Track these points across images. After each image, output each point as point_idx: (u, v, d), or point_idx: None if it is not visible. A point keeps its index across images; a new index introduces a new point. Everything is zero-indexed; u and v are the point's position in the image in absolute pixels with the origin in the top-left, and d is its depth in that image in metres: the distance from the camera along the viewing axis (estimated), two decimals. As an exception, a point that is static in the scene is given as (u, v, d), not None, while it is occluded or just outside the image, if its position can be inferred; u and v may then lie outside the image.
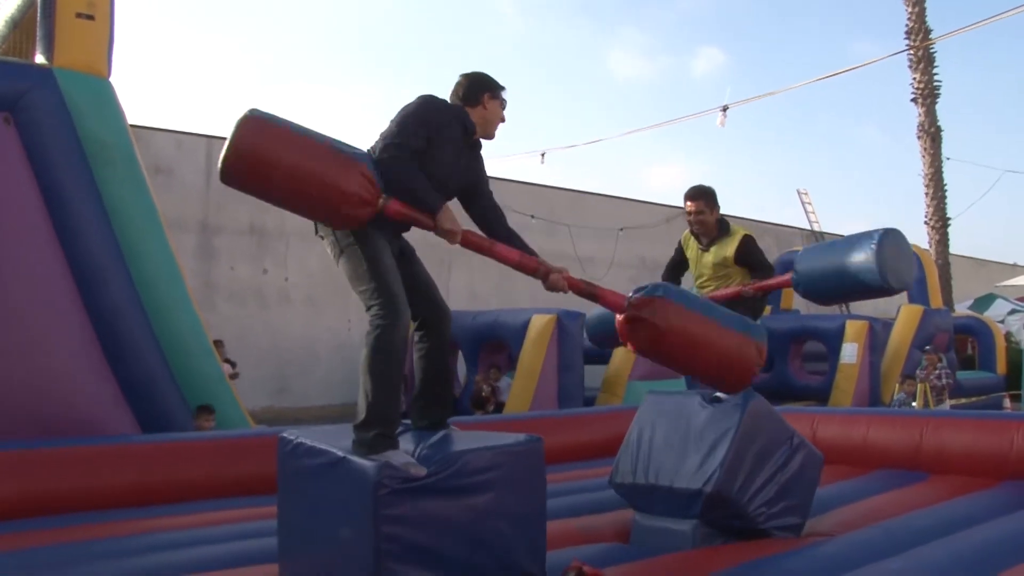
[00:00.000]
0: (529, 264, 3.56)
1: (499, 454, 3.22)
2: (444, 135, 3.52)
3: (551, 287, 3.58)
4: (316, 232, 3.59)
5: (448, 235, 3.38)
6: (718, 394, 4.56)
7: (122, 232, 7.37)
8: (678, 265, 5.43)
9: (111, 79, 7.69)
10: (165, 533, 4.56)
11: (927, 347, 14.56)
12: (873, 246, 4.18)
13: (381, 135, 3.50)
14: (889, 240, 4.22)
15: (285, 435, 3.52)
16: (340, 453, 3.12)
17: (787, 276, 4.84)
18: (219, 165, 3.16)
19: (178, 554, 4.05)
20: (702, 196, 5.06)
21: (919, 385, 12.38)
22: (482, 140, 3.79)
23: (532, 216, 17.39)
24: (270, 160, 3.14)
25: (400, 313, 3.24)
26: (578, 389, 11.54)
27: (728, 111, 11.62)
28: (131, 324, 7.32)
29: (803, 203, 25.51)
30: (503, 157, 18.85)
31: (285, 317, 14.31)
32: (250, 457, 5.88)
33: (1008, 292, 22.78)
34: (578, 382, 11.57)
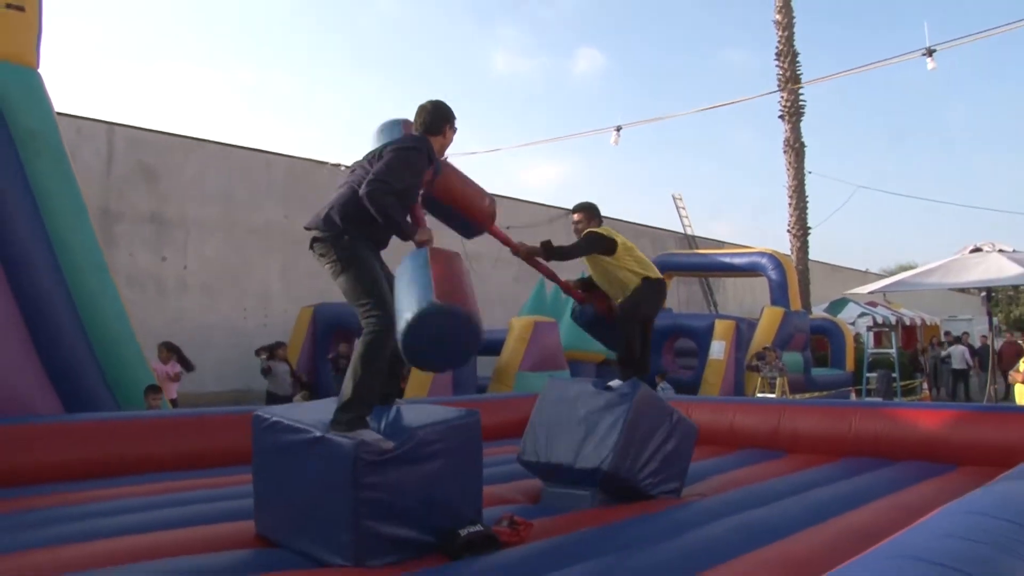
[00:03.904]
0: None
1: (447, 428, 3.90)
2: (423, 173, 4.18)
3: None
4: (311, 247, 4.03)
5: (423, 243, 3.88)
6: (609, 383, 5.38)
7: (50, 220, 7.62)
8: None
9: (39, 70, 7.91)
10: (104, 503, 4.96)
11: (767, 346, 16.00)
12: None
13: (371, 167, 3.93)
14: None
15: (260, 413, 4.09)
16: (319, 432, 3.71)
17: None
18: None
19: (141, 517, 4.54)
20: (583, 210, 5.80)
21: (779, 379, 13.72)
22: None
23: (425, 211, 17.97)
24: None
25: (393, 324, 3.74)
26: (471, 377, 12.26)
27: (618, 128, 12.54)
28: (57, 310, 7.60)
29: (677, 207, 26.98)
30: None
31: (182, 304, 14.46)
32: (171, 435, 6.37)
33: (858, 298, 24.82)
34: (471, 371, 12.29)
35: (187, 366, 10.57)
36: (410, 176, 4.01)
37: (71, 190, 7.92)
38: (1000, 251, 12.01)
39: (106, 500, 5.04)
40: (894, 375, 16.46)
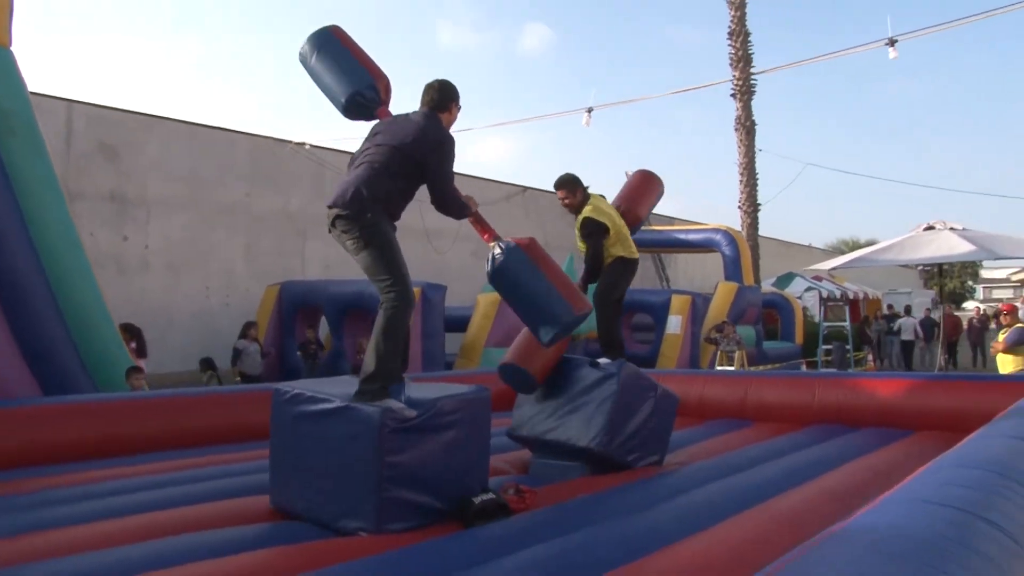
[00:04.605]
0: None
1: (462, 400, 4.12)
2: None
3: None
4: (331, 230, 4.17)
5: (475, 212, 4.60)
6: (597, 360, 5.60)
7: (24, 200, 7.62)
8: None
9: (11, 48, 7.86)
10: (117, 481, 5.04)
11: (726, 319, 16.50)
12: None
13: (397, 147, 4.19)
14: None
15: (279, 387, 4.26)
16: (343, 401, 3.92)
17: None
18: None
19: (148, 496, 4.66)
20: (562, 186, 5.92)
21: (738, 352, 14.17)
22: None
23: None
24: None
25: (411, 300, 4.07)
26: (440, 354, 12.49)
27: (590, 110, 12.77)
28: (33, 290, 7.61)
29: (630, 185, 27.22)
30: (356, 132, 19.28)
31: (144, 284, 14.39)
32: (160, 416, 6.44)
33: (806, 273, 25.53)
34: (440, 348, 12.52)
35: (141, 351, 10.48)
36: (453, 163, 4.33)
37: (45, 169, 7.92)
38: (951, 229, 12.58)
39: (104, 481, 5.07)
40: (848, 347, 17.08)
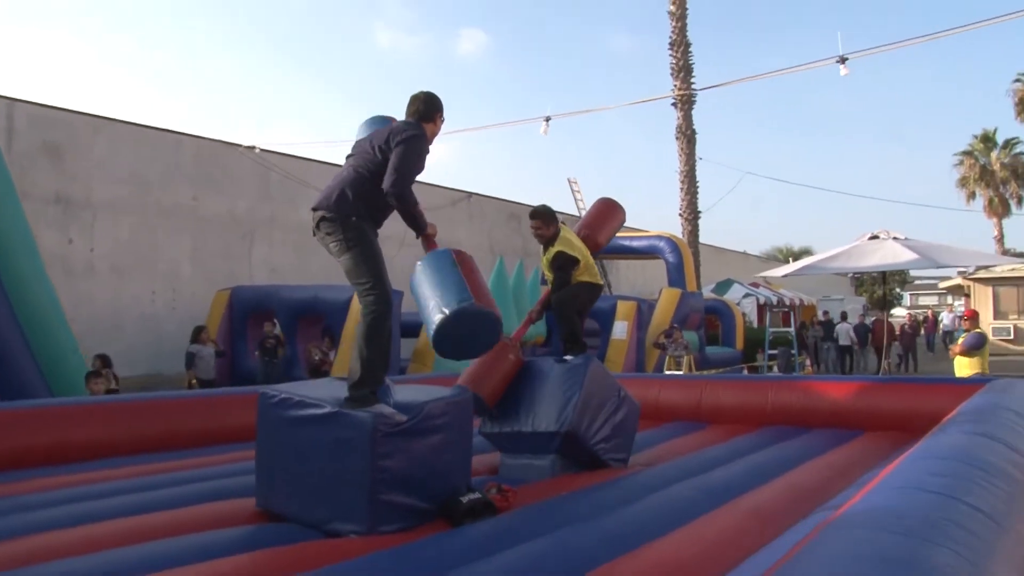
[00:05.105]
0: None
1: (448, 403, 4.25)
2: (426, 156, 4.44)
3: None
4: (315, 232, 4.25)
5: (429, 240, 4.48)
6: (565, 357, 5.83)
7: (-23, 203, 7.50)
8: None
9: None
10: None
11: (674, 324, 16.89)
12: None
13: (376, 151, 4.24)
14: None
15: (266, 391, 4.32)
16: (334, 406, 4.00)
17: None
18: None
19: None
20: (539, 216, 6.14)
21: (686, 357, 14.54)
22: None
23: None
24: None
25: (391, 303, 4.16)
26: (395, 359, 12.54)
27: (548, 119, 12.99)
28: (-12, 294, 7.50)
29: (572, 190, 27.51)
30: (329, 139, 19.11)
31: (90, 287, 14.15)
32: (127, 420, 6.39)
33: (744, 280, 26.13)
34: (395, 353, 12.57)
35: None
36: (421, 162, 4.33)
37: None
38: (895, 238, 13.14)
39: (76, 487, 5.03)
40: (793, 352, 17.63)
